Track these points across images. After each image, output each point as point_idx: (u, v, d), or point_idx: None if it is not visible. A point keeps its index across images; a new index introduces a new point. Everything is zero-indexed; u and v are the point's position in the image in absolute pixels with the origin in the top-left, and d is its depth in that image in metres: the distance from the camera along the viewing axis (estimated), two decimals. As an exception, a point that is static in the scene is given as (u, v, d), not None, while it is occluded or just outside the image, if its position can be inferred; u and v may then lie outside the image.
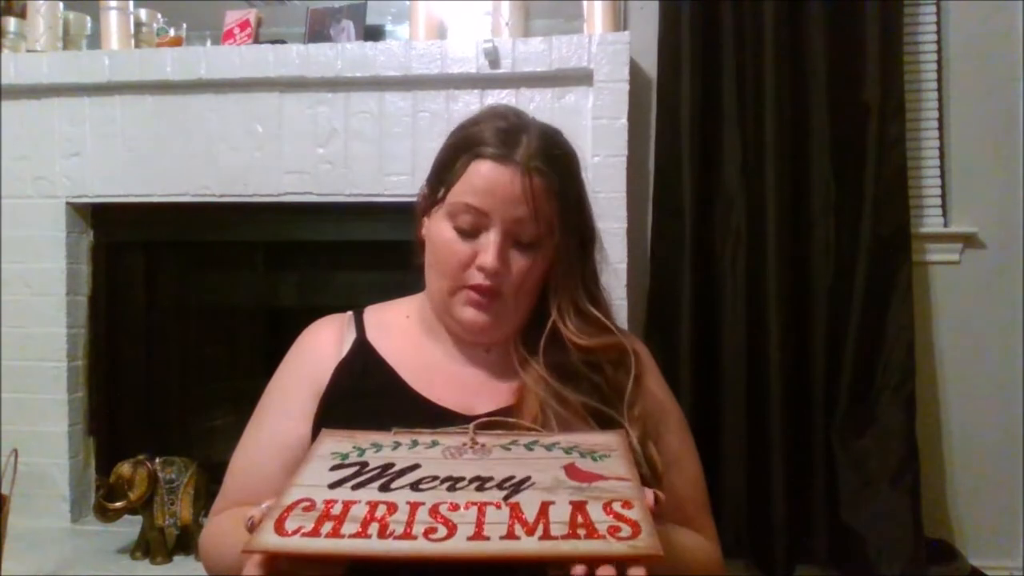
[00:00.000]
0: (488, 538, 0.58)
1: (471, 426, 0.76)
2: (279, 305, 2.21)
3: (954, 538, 1.99)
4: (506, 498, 0.63)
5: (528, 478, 0.66)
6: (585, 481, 0.66)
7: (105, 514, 1.73)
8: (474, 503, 0.62)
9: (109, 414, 2.12)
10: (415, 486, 0.65)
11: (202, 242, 2.13)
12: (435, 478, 0.67)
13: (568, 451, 0.72)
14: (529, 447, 0.74)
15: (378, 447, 0.73)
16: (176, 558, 1.79)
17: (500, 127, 0.85)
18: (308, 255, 2.14)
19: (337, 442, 0.75)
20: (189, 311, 2.23)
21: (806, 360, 1.93)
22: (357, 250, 2.06)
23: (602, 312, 0.89)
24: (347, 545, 0.57)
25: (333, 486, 0.65)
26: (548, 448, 0.73)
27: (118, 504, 1.72)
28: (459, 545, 0.57)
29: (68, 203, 2.03)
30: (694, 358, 1.90)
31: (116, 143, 2.00)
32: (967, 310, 2.02)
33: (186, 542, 1.79)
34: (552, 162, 0.85)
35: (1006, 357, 1.99)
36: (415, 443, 0.74)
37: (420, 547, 0.57)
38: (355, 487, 0.65)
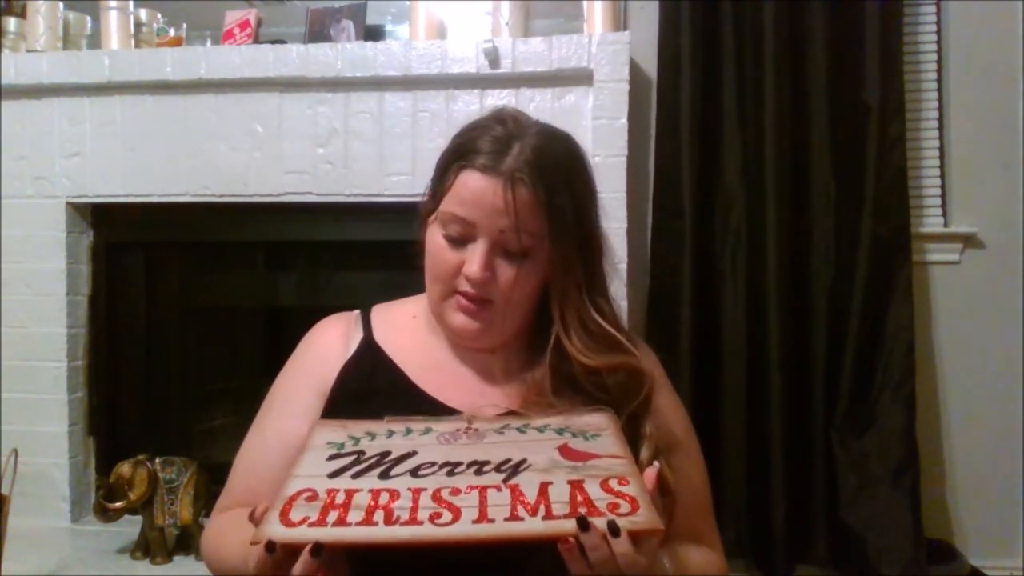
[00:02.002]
0: (493, 520, 0.59)
1: (465, 414, 0.77)
2: (279, 305, 2.21)
3: (954, 538, 1.99)
4: (505, 480, 0.64)
5: (524, 460, 0.67)
6: (580, 460, 0.67)
7: (105, 514, 1.73)
8: (475, 487, 0.63)
9: (109, 414, 2.12)
10: (415, 472, 0.66)
11: (202, 242, 2.13)
12: (433, 464, 0.67)
13: (560, 431, 0.74)
14: (521, 430, 0.75)
15: (372, 436, 0.74)
16: (176, 558, 1.79)
17: (495, 135, 0.85)
18: (308, 255, 2.14)
19: (331, 432, 0.75)
20: (189, 311, 2.23)
21: (806, 360, 1.93)
22: (357, 250, 2.06)
23: (609, 324, 0.87)
24: (354, 533, 0.58)
25: (333, 475, 0.66)
26: (540, 430, 0.74)
27: (118, 504, 1.72)
28: (465, 528, 0.58)
29: (68, 203, 2.02)
30: (694, 358, 1.90)
31: (116, 143, 2.00)
32: (967, 310, 2.01)
33: (186, 542, 1.80)
34: (540, 173, 0.82)
35: (1006, 357, 1.99)
36: (409, 431, 0.75)
37: (427, 532, 0.58)
38: (355, 475, 0.66)
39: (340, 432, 0.75)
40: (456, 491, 0.62)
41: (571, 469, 0.66)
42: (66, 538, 1.95)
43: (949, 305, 2.02)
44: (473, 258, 0.83)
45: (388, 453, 0.69)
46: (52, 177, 2.02)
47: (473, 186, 0.83)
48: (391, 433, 0.74)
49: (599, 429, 0.74)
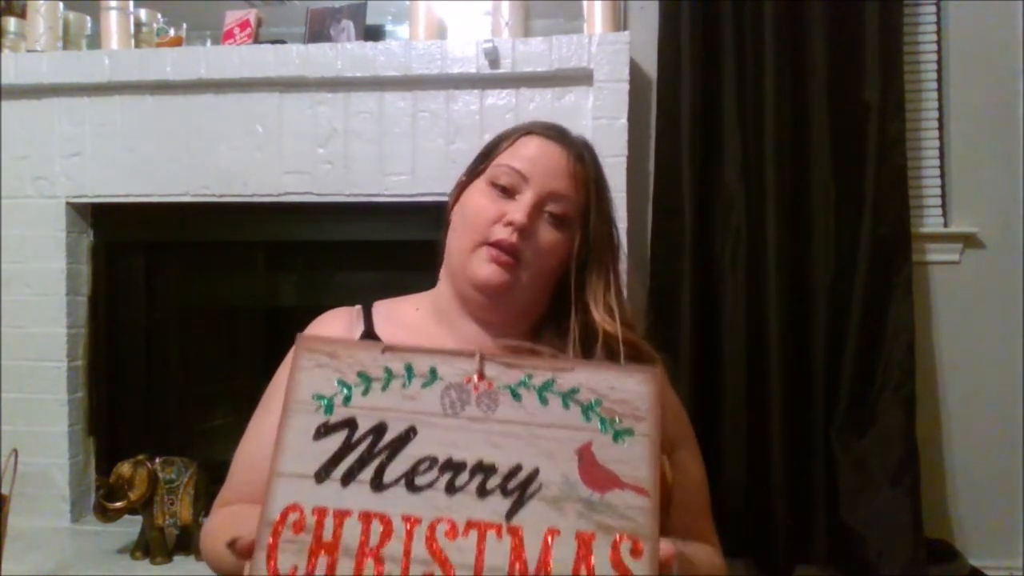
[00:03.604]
0: None
1: (477, 351, 0.67)
2: (279, 305, 2.21)
3: (954, 538, 1.99)
4: (510, 514, 0.60)
5: (536, 474, 0.62)
6: (599, 489, 0.62)
7: (105, 514, 1.73)
8: (474, 524, 0.60)
9: (109, 414, 2.12)
10: (411, 482, 0.61)
11: (202, 242, 2.12)
12: (433, 463, 0.62)
13: (587, 411, 0.64)
14: (542, 397, 0.65)
15: (366, 383, 0.65)
16: (176, 558, 1.79)
17: (550, 124, 0.94)
18: (308, 255, 2.14)
19: (318, 370, 0.66)
20: (189, 311, 2.23)
21: (806, 360, 1.93)
22: (357, 250, 2.06)
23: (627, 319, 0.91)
24: None
25: (320, 477, 0.61)
26: (565, 402, 0.64)
27: (118, 504, 1.72)
28: None
29: (68, 203, 2.02)
30: (694, 358, 1.90)
31: (116, 143, 2.00)
32: (967, 310, 2.02)
33: (186, 542, 1.80)
34: (594, 158, 0.92)
35: (1006, 357, 1.99)
36: (410, 376, 0.65)
37: None
38: (345, 479, 0.61)
39: (328, 372, 0.66)
40: (453, 530, 0.59)
41: (585, 507, 0.61)
42: (66, 538, 1.95)
43: (949, 305, 2.02)
44: (519, 207, 0.86)
45: (383, 430, 0.63)
46: (52, 177, 2.02)
47: (536, 146, 0.89)
48: (388, 379, 0.65)
49: (635, 416, 0.64)
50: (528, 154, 0.88)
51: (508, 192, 0.87)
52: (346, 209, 1.96)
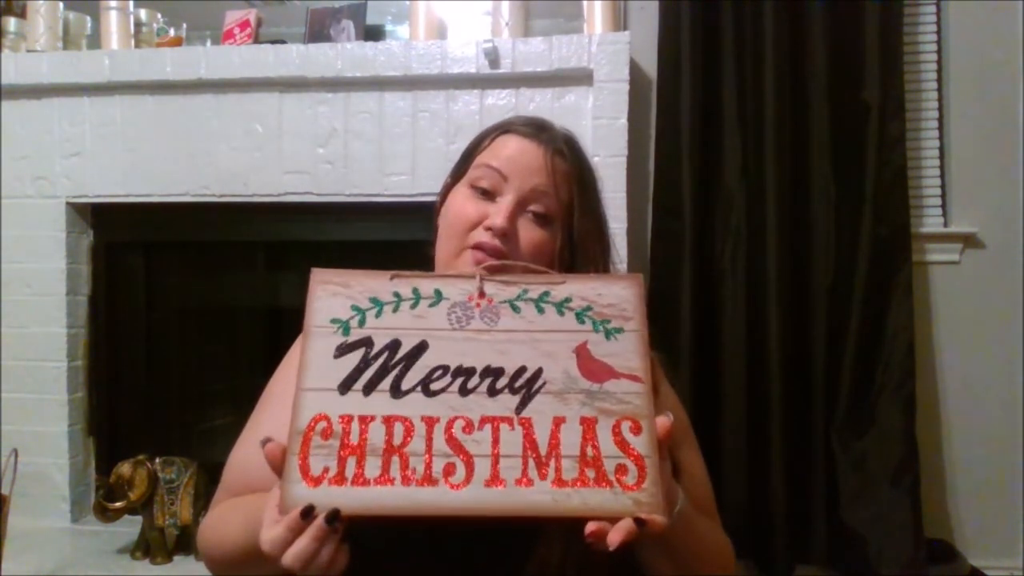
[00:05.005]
0: (504, 482, 0.62)
1: (477, 272, 0.73)
2: (279, 305, 2.21)
3: (954, 538, 1.99)
4: (519, 408, 0.65)
5: (539, 372, 0.67)
6: (596, 381, 0.67)
7: (105, 514, 1.73)
8: (488, 419, 0.64)
9: (109, 414, 2.12)
10: (427, 387, 0.66)
11: (202, 242, 2.13)
12: (446, 370, 0.67)
13: (580, 316, 0.70)
14: (539, 307, 0.71)
15: (378, 306, 0.71)
16: (176, 558, 1.79)
17: (529, 120, 0.92)
18: (308, 255, 2.14)
19: (332, 298, 0.72)
20: (189, 311, 2.23)
21: (806, 360, 1.93)
22: (357, 250, 2.06)
23: None
24: (374, 497, 0.61)
25: (344, 388, 0.66)
26: (559, 310, 0.71)
27: (118, 504, 1.73)
28: (478, 494, 0.61)
29: (68, 203, 2.03)
30: (694, 358, 1.90)
31: (116, 143, 2.00)
32: (967, 310, 2.02)
33: (186, 542, 1.80)
34: (574, 151, 0.90)
35: (1006, 357, 1.99)
36: (417, 298, 0.71)
37: (441, 499, 0.61)
38: (367, 388, 0.66)
39: (342, 300, 0.72)
40: (469, 426, 0.64)
41: (586, 396, 0.66)
42: (66, 538, 1.95)
43: (949, 305, 2.02)
44: (499, 210, 0.85)
45: (397, 345, 0.68)
46: (52, 177, 2.02)
47: (513, 145, 0.88)
48: (398, 302, 0.71)
49: (623, 315, 0.70)
50: (506, 153, 0.87)
51: (489, 194, 0.87)
52: (346, 209, 1.97)
